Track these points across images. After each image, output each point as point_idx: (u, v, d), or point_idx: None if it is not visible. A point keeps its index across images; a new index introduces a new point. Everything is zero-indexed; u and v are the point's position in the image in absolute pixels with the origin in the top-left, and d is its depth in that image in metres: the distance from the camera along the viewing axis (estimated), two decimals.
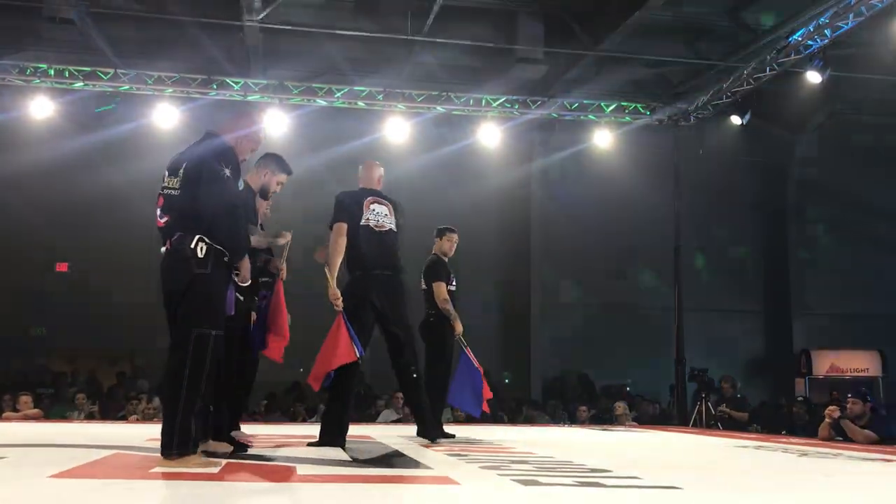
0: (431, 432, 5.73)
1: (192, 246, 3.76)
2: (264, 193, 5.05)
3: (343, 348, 5.12)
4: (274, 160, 5.09)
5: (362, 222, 5.50)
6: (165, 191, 3.93)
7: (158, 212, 3.95)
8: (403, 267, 5.61)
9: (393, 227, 5.60)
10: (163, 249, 3.93)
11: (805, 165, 15.46)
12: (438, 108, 11.63)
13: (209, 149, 3.96)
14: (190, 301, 3.78)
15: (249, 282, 4.42)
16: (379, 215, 5.56)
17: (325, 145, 12.19)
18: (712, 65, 12.39)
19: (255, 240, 4.74)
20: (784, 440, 7.47)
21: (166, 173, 3.99)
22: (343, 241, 5.37)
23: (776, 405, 11.80)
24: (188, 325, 3.75)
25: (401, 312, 5.57)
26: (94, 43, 11.29)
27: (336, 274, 5.31)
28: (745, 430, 9.89)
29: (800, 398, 10.94)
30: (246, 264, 4.23)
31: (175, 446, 3.67)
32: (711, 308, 14.83)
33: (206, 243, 3.78)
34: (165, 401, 3.77)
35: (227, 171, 3.89)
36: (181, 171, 3.90)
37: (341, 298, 5.26)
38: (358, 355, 5.18)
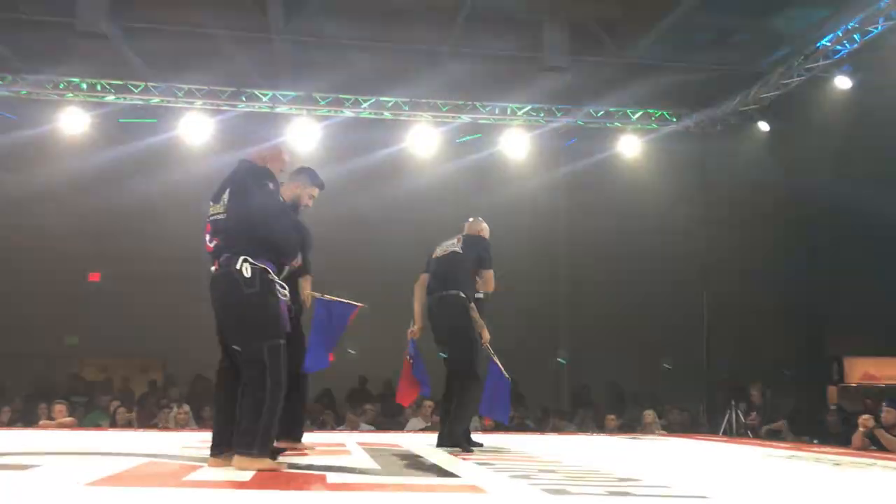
0: (442, 440, 5.93)
1: (238, 267, 4.00)
2: (295, 206, 5.17)
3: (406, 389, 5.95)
4: (306, 173, 5.26)
5: (431, 258, 6.09)
6: (212, 217, 4.23)
7: (207, 237, 4.23)
8: (462, 281, 5.94)
9: (456, 249, 6.04)
10: (213, 269, 4.17)
11: (835, 171, 15.26)
12: (464, 117, 11.66)
13: (248, 170, 4.24)
14: (250, 319, 4.04)
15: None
16: (443, 246, 6.10)
17: (352, 155, 12.28)
18: (739, 71, 12.30)
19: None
20: (817, 449, 7.39)
21: (210, 202, 4.29)
22: (417, 288, 6.11)
23: (808, 413, 11.65)
24: (258, 340, 4.01)
25: (447, 326, 5.95)
26: (126, 57, 11.47)
27: (418, 316, 6.04)
28: (778, 438, 9.80)
29: (833, 407, 10.80)
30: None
31: (256, 447, 3.92)
32: (740, 314, 14.68)
33: (251, 263, 4.01)
34: (247, 407, 3.98)
35: (271, 185, 4.17)
36: (225, 195, 4.18)
37: (417, 333, 6.06)
38: (422, 393, 5.93)
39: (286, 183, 5.13)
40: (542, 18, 11.34)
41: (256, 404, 3.94)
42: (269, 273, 4.07)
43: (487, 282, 6.08)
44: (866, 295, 14.86)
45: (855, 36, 9.28)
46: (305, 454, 5.17)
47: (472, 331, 5.93)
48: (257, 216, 4.06)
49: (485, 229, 6.39)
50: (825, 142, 14.94)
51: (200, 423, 10.33)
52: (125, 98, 11.14)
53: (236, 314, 4.08)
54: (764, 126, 11.63)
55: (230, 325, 4.14)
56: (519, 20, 11.47)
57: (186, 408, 10.02)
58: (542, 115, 11.74)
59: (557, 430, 10.64)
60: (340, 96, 11.51)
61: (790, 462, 5.80)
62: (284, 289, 4.20)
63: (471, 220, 6.45)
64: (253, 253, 4.03)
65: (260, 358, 3.97)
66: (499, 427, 8.82)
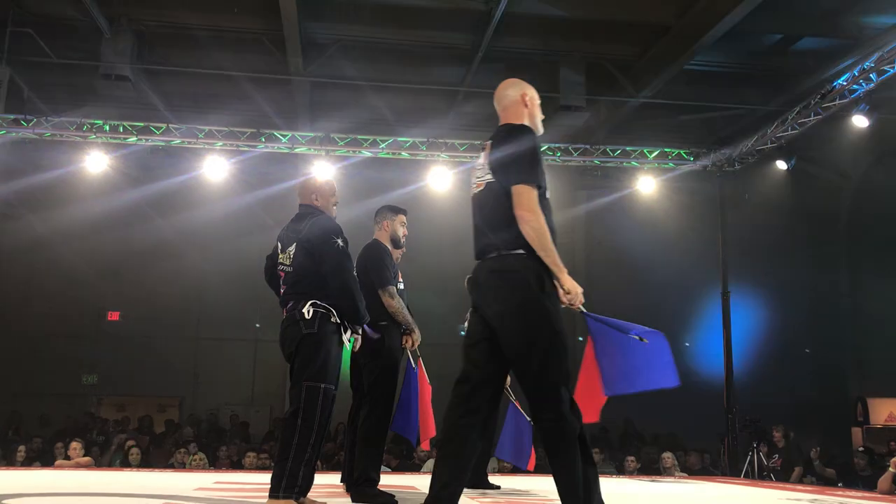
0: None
1: (303, 310, 4.04)
2: (396, 242, 5.36)
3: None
4: (385, 208, 5.42)
5: None
6: (280, 266, 4.27)
7: (280, 282, 4.27)
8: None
9: None
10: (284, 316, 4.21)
11: (854, 210, 15.18)
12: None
13: (317, 227, 4.22)
14: (301, 358, 4.04)
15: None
16: None
17: (371, 195, 12.32)
18: (756, 110, 12.32)
19: (396, 305, 5.00)
20: (841, 493, 7.23)
21: (279, 245, 4.32)
22: None
23: (832, 455, 11.44)
24: (299, 379, 4.00)
25: None
26: (148, 99, 11.67)
27: None
28: (801, 482, 9.62)
29: (861, 449, 10.60)
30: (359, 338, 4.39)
31: (282, 489, 3.87)
32: (761, 354, 14.51)
33: (315, 306, 4.05)
34: (279, 449, 3.98)
35: (340, 242, 4.16)
36: (291, 248, 4.21)
37: None
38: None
39: (376, 230, 5.36)
40: (557, 58, 11.45)
41: (284, 447, 3.92)
42: (332, 318, 4.09)
43: None
44: (889, 334, 14.68)
45: (871, 76, 9.28)
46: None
47: None
48: (332, 281, 4.09)
49: None
50: (844, 180, 14.91)
51: (215, 464, 10.30)
52: (147, 140, 11.29)
53: (290, 352, 4.11)
54: (782, 165, 11.60)
55: (291, 365, 4.15)
56: (534, 60, 11.57)
57: (202, 455, 10.02)
58: (558, 154, 11.78)
59: None
60: (358, 137, 11.63)
61: None
62: (349, 339, 4.22)
63: None
64: (318, 298, 4.08)
65: (297, 398, 3.95)
66: (517, 469, 8.72)
